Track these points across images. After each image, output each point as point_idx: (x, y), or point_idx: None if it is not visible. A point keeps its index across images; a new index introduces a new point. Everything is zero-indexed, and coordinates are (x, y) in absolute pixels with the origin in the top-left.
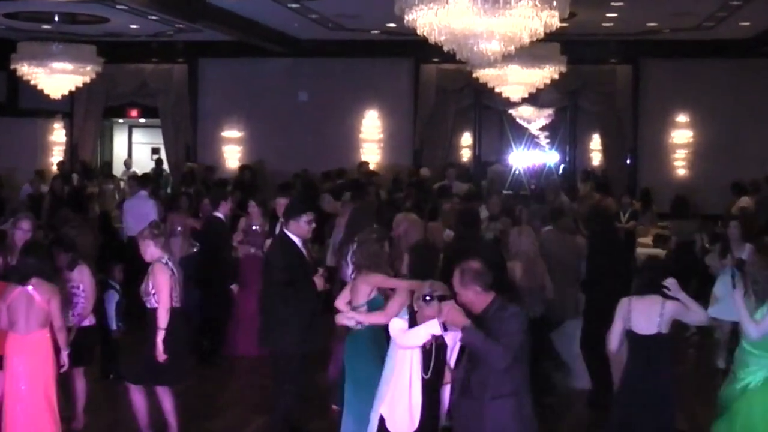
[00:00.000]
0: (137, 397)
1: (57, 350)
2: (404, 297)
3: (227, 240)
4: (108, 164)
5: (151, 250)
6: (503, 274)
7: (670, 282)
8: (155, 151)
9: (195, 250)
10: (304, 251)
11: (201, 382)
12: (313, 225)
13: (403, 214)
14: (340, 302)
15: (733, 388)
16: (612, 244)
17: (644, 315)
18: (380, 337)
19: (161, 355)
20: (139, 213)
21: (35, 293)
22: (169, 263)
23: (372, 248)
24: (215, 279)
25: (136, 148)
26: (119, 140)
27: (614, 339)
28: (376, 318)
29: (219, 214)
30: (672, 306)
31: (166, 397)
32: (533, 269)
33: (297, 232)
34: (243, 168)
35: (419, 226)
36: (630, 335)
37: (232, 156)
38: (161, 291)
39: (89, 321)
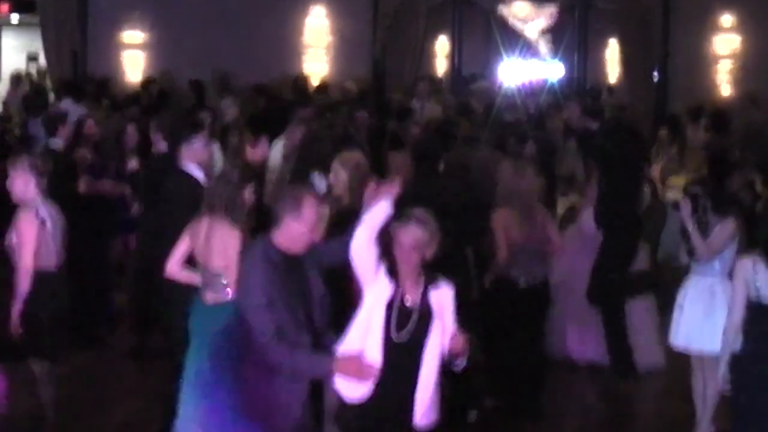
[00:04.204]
0: None
1: None
2: None
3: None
4: None
5: (29, 188)
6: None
7: None
8: (32, 57)
9: None
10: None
11: (94, 364)
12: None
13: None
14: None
15: None
16: None
17: None
18: None
19: (15, 327)
20: None
21: None
22: (40, 211)
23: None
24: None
25: (6, 54)
26: None
27: (738, 310)
28: None
29: (57, 142)
30: None
31: (45, 382)
32: (532, 219)
33: (194, 158)
34: (148, 82)
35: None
36: (755, 305)
37: (133, 66)
38: (23, 246)
39: None
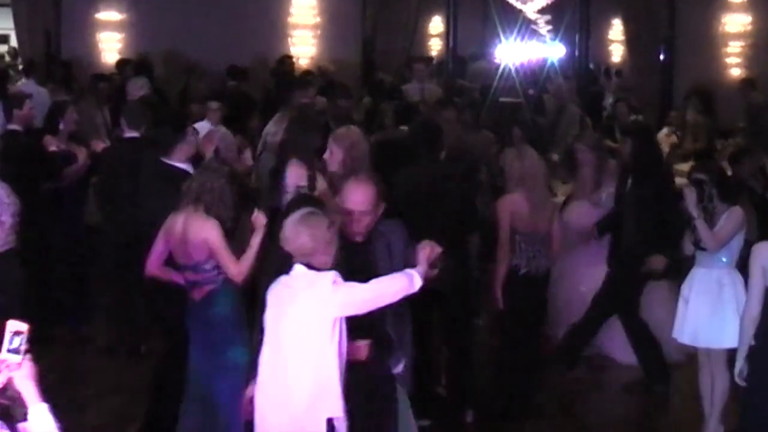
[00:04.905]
0: None
1: None
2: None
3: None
4: None
5: None
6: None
7: None
8: (3, 39)
9: None
10: None
11: (69, 361)
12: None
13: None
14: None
15: None
16: None
17: None
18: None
19: None
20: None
21: None
22: None
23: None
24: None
25: None
26: None
27: (755, 301)
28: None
29: (15, 126)
30: None
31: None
32: (541, 206)
33: (187, 153)
34: (123, 63)
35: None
36: None
37: (110, 46)
38: None
39: None
